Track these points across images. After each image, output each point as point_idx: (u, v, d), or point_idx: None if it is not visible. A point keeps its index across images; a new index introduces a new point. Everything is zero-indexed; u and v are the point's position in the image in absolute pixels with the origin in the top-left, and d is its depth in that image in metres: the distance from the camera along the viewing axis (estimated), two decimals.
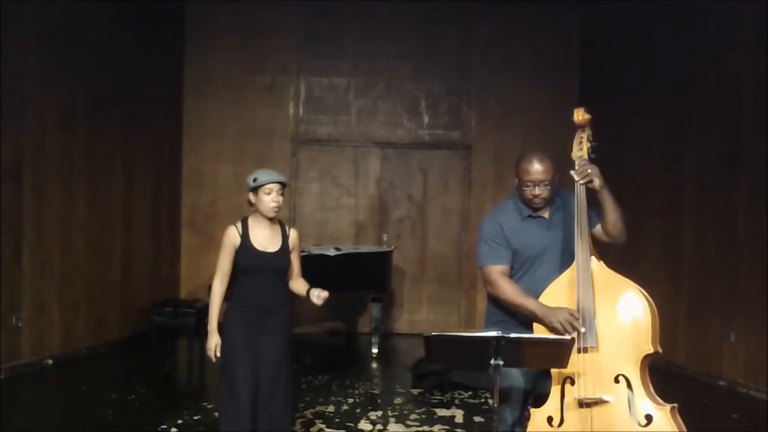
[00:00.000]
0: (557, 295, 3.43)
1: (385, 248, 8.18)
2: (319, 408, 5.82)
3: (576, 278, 3.37)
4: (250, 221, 4.07)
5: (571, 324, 3.29)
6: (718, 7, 6.94)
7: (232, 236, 4.03)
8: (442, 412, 5.83)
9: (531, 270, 3.59)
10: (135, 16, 8.08)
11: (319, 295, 4.01)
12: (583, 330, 3.30)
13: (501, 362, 3.18)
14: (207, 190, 9.23)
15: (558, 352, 3.22)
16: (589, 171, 3.41)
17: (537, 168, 3.49)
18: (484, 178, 9.31)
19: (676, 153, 7.48)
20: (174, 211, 9.12)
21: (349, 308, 9.24)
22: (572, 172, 3.46)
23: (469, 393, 6.30)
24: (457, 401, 6.13)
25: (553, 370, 3.38)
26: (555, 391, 3.38)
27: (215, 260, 4.09)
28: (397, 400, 6.17)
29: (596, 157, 3.52)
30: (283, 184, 4.01)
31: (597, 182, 3.41)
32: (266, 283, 4.02)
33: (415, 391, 6.43)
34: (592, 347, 3.30)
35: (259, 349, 3.95)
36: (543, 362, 3.38)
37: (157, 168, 8.70)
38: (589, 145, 3.51)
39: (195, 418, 5.52)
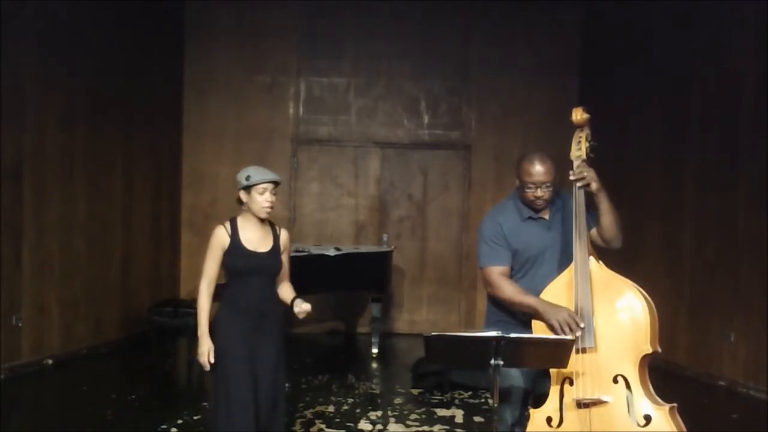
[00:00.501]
0: (556, 295, 3.43)
1: (385, 248, 8.18)
2: (319, 408, 5.82)
3: (574, 278, 3.37)
4: (240, 221, 3.88)
5: (568, 325, 3.29)
6: (718, 7, 6.94)
7: (221, 237, 3.84)
8: (442, 412, 5.83)
9: (531, 270, 3.59)
10: (135, 16, 8.08)
11: (301, 308, 3.79)
12: (578, 333, 3.29)
13: (501, 362, 3.18)
14: (207, 190, 9.23)
15: (558, 352, 3.22)
16: (586, 174, 3.41)
17: (539, 169, 3.49)
18: (484, 178, 9.31)
19: (676, 153, 7.48)
20: (174, 211, 9.12)
21: (349, 308, 9.24)
22: (570, 175, 3.46)
23: (469, 393, 6.30)
24: (457, 401, 6.13)
25: (552, 371, 3.38)
26: (554, 391, 3.38)
27: None
28: (397, 400, 6.17)
29: (595, 156, 3.51)
30: (276, 183, 3.83)
31: (594, 186, 3.41)
32: (259, 285, 3.85)
33: (415, 391, 6.43)
34: (590, 347, 3.30)
35: (256, 354, 3.80)
36: (543, 362, 3.38)
37: (157, 168, 8.70)
38: (587, 144, 3.50)
39: (195, 418, 5.52)
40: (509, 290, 3.52)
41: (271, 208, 3.83)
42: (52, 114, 6.97)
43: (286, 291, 3.98)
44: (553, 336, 3.29)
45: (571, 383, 3.33)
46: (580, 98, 8.67)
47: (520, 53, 9.24)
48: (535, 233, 3.59)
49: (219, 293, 3.93)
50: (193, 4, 9.16)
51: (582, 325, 3.29)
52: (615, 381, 3.26)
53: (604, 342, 3.31)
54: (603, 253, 3.54)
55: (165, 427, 5.25)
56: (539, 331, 3.41)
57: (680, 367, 7.09)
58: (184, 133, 9.23)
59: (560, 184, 3.62)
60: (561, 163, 3.59)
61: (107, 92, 7.68)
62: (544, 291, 3.46)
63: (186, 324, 7.28)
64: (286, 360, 4.01)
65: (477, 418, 5.65)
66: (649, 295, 3.35)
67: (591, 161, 3.50)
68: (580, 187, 3.42)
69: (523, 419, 3.56)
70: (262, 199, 3.80)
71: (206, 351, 3.81)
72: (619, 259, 3.60)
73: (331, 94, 9.34)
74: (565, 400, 3.34)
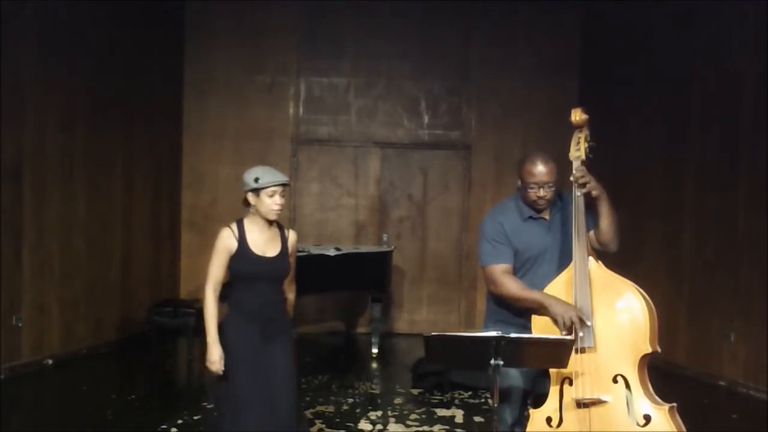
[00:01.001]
0: (555, 295, 3.43)
1: (385, 248, 8.18)
2: (319, 408, 5.82)
3: (574, 278, 3.38)
4: (247, 223, 3.75)
5: (572, 322, 3.28)
6: (718, 7, 6.94)
7: (228, 240, 3.70)
8: (442, 412, 5.83)
9: (531, 270, 3.59)
10: (135, 16, 8.08)
11: None
12: (582, 334, 3.29)
13: (501, 362, 3.19)
14: (207, 190, 9.22)
15: (558, 352, 3.22)
16: (587, 180, 3.41)
17: (541, 170, 3.49)
18: (484, 178, 9.31)
19: (676, 153, 7.48)
20: (174, 211, 9.11)
21: (349, 308, 9.24)
22: (571, 178, 3.46)
23: (469, 393, 6.30)
24: (457, 401, 6.13)
25: (552, 371, 3.39)
26: (554, 391, 3.38)
27: None
28: (397, 400, 6.17)
29: (594, 157, 3.52)
30: (286, 185, 3.72)
31: (595, 192, 3.43)
32: (267, 290, 3.72)
33: (415, 391, 6.43)
34: (590, 347, 3.31)
35: (266, 360, 3.68)
36: (543, 362, 3.39)
37: (157, 168, 8.70)
38: (587, 145, 3.51)
39: (195, 418, 5.52)
40: (514, 287, 3.52)
41: (281, 210, 3.72)
42: (52, 114, 6.97)
43: (290, 301, 3.96)
44: (553, 336, 3.29)
45: (571, 383, 3.33)
46: (580, 98, 8.67)
47: (520, 53, 9.24)
48: (535, 233, 3.59)
49: (224, 294, 3.83)
50: (193, 4, 9.15)
51: (589, 324, 3.29)
52: (615, 381, 3.26)
53: (603, 342, 3.31)
54: (602, 253, 3.54)
55: (165, 427, 5.25)
56: (539, 329, 3.42)
57: (680, 367, 7.09)
58: (184, 133, 9.22)
59: (561, 185, 3.62)
60: (561, 164, 3.59)
61: (107, 92, 7.68)
62: (544, 290, 3.46)
63: (186, 324, 7.29)
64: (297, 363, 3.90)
65: (477, 418, 5.65)
66: (649, 295, 3.35)
67: (590, 162, 3.50)
68: (579, 195, 3.43)
69: (522, 419, 3.57)
70: (271, 202, 3.68)
71: (217, 359, 3.69)
72: (618, 259, 3.60)
73: (331, 94, 9.34)
74: (564, 400, 3.34)
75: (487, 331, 3.29)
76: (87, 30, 7.36)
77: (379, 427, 5.41)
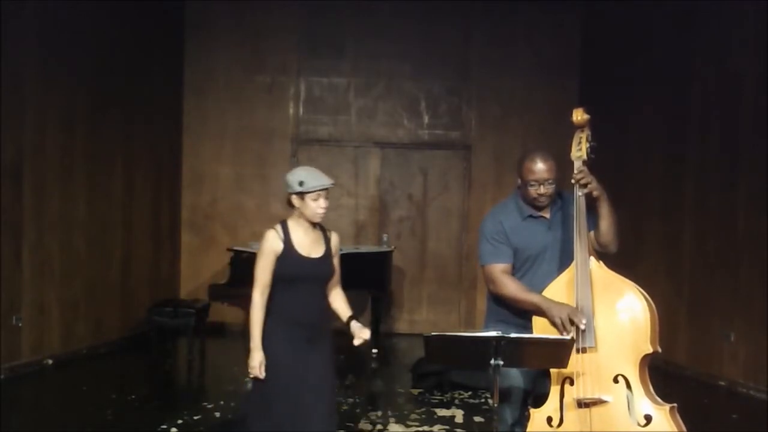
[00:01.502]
0: (556, 295, 3.43)
1: (385, 248, 8.17)
2: None
3: (575, 278, 3.38)
4: (291, 225, 3.68)
5: (570, 322, 3.29)
6: (718, 7, 6.94)
7: (274, 242, 3.62)
8: (442, 412, 5.83)
9: (532, 269, 3.59)
10: (135, 16, 8.08)
11: (360, 338, 3.66)
12: (582, 328, 3.29)
13: (501, 362, 3.19)
14: (207, 190, 9.23)
15: (558, 352, 3.22)
16: (588, 181, 3.41)
17: (541, 167, 3.49)
18: (484, 178, 9.31)
19: (676, 153, 7.48)
20: (174, 211, 9.11)
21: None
22: (572, 179, 3.46)
23: (469, 393, 6.30)
24: (457, 401, 6.13)
25: (553, 370, 3.38)
26: (554, 391, 3.38)
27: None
28: (397, 400, 6.17)
29: (595, 157, 3.51)
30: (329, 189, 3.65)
31: (596, 193, 3.43)
32: (312, 294, 3.67)
33: (415, 391, 6.43)
34: (591, 347, 3.30)
35: (308, 368, 3.61)
36: (543, 362, 3.38)
37: (157, 168, 8.70)
38: (588, 145, 3.51)
39: (195, 418, 5.53)
40: (512, 287, 3.52)
41: (325, 213, 3.68)
42: (52, 114, 6.97)
43: (339, 303, 3.84)
44: (553, 336, 3.29)
45: (572, 383, 3.33)
46: (580, 98, 8.67)
47: (520, 53, 9.24)
48: (535, 232, 3.59)
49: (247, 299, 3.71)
50: (193, 4, 9.15)
51: (584, 322, 3.29)
52: (615, 381, 3.26)
53: (604, 342, 3.31)
54: (602, 254, 3.54)
55: (165, 427, 5.25)
56: (539, 329, 3.41)
57: (680, 367, 7.09)
58: (184, 133, 9.22)
59: (561, 184, 3.62)
60: (561, 164, 3.59)
61: (107, 92, 7.68)
62: (545, 290, 3.47)
63: (186, 324, 7.29)
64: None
65: (477, 418, 5.65)
66: (649, 295, 3.35)
67: (591, 162, 3.50)
68: (581, 195, 3.43)
69: (523, 419, 3.56)
70: (315, 206, 3.63)
71: (257, 365, 3.61)
72: (618, 259, 3.60)
73: (331, 94, 9.34)
74: (565, 399, 3.34)
75: (487, 330, 3.29)
76: (87, 30, 7.36)
77: (379, 427, 5.41)
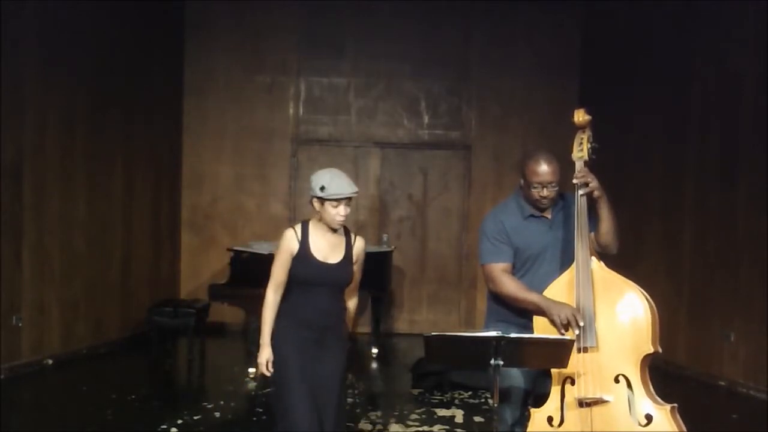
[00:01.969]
0: (557, 295, 3.43)
1: (385, 248, 8.17)
2: None
3: (576, 278, 3.38)
4: (312, 226, 3.60)
5: (569, 321, 3.29)
6: (718, 7, 6.94)
7: (291, 242, 3.57)
8: (442, 412, 5.83)
9: (532, 269, 3.59)
10: (135, 16, 8.08)
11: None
12: (577, 331, 3.29)
13: (501, 362, 3.19)
14: (207, 190, 9.23)
15: (558, 352, 3.22)
16: (589, 181, 3.41)
17: (545, 169, 3.48)
18: (484, 178, 9.31)
19: (676, 153, 7.48)
20: (174, 211, 9.11)
21: None
22: (573, 179, 3.46)
23: (469, 393, 6.30)
24: (457, 401, 6.13)
25: (554, 370, 3.39)
26: (555, 391, 3.39)
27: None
28: (397, 400, 6.17)
29: (596, 158, 3.52)
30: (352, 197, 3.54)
31: (596, 193, 3.43)
32: (325, 297, 3.59)
33: (415, 391, 6.43)
34: (592, 347, 3.31)
35: (317, 370, 3.56)
36: (543, 362, 3.39)
37: (157, 168, 8.70)
38: (589, 146, 3.51)
39: (195, 418, 5.52)
40: (512, 287, 3.52)
41: (345, 219, 3.57)
42: (52, 114, 6.97)
43: (350, 312, 3.78)
44: (553, 336, 3.29)
45: (573, 383, 3.33)
46: (580, 98, 8.67)
47: (520, 53, 9.23)
48: (536, 232, 3.59)
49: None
50: (193, 4, 9.15)
51: (581, 324, 3.29)
52: (616, 381, 3.27)
53: (605, 342, 3.31)
54: (602, 254, 3.54)
55: (165, 427, 5.25)
56: (540, 329, 3.42)
57: (680, 367, 7.09)
58: (184, 133, 9.22)
59: (562, 185, 3.62)
60: (562, 164, 3.59)
61: (107, 92, 7.67)
62: (546, 290, 3.47)
63: (186, 324, 7.29)
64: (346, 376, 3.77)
65: (477, 418, 5.65)
66: (649, 295, 3.36)
67: (592, 162, 3.50)
68: (582, 195, 3.43)
69: (523, 419, 3.56)
70: (335, 212, 3.52)
71: (264, 361, 3.57)
72: (619, 259, 3.60)
73: (331, 94, 9.33)
74: (566, 399, 3.34)
75: (488, 330, 3.29)
76: (87, 30, 7.36)
77: (379, 427, 5.41)
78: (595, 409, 3.27)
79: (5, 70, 6.28)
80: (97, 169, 7.59)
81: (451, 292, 9.39)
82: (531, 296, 3.45)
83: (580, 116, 3.54)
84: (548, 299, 3.41)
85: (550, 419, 3.36)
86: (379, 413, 5.75)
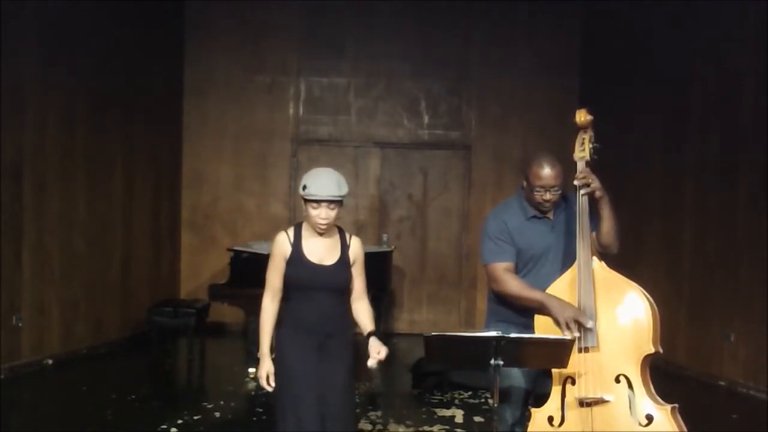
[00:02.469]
0: (559, 294, 3.43)
1: (385, 248, 8.17)
2: None
3: (577, 278, 3.38)
4: (305, 228, 3.47)
5: (575, 323, 3.29)
6: (718, 7, 6.94)
7: (283, 245, 3.44)
8: (442, 412, 5.83)
9: (534, 269, 3.59)
10: (135, 16, 8.07)
11: (375, 357, 3.45)
12: (584, 330, 3.29)
13: (501, 362, 3.19)
14: (207, 190, 9.23)
15: (558, 352, 3.22)
16: (591, 181, 3.41)
17: (549, 173, 3.47)
18: (484, 178, 9.31)
19: (676, 153, 7.48)
20: (174, 211, 9.11)
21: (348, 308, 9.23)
22: (575, 179, 3.46)
23: (469, 393, 6.30)
24: (457, 401, 6.13)
25: (554, 370, 3.39)
26: (556, 390, 3.38)
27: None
28: (397, 400, 6.17)
29: (598, 158, 3.52)
30: (335, 200, 3.37)
31: (598, 194, 3.43)
32: (324, 302, 3.44)
33: (415, 391, 6.43)
34: (593, 347, 3.31)
35: (322, 377, 3.43)
36: (543, 362, 3.38)
37: (157, 168, 8.70)
38: (591, 146, 3.51)
39: (195, 418, 5.52)
40: (515, 285, 3.51)
41: (327, 225, 3.40)
42: (52, 114, 6.97)
43: (362, 316, 3.61)
44: (553, 336, 3.29)
45: (573, 382, 3.33)
46: (580, 98, 8.67)
47: (520, 53, 9.23)
48: (538, 232, 3.59)
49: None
50: (193, 4, 9.15)
51: (589, 326, 3.29)
52: (617, 381, 3.27)
53: (606, 342, 3.31)
54: (603, 254, 3.54)
55: (165, 427, 5.25)
56: (541, 329, 3.42)
57: (680, 367, 7.09)
58: (184, 133, 9.22)
59: (563, 186, 3.62)
60: (564, 165, 3.59)
61: (107, 92, 7.67)
62: (548, 290, 3.47)
63: (186, 324, 7.29)
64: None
65: (477, 418, 5.65)
66: (649, 295, 3.36)
67: (594, 162, 3.51)
68: (584, 194, 3.43)
69: (523, 419, 3.56)
70: (315, 215, 3.37)
71: (264, 375, 3.43)
72: (619, 259, 3.60)
73: (331, 94, 9.33)
74: (566, 399, 3.34)
75: (488, 330, 3.29)
76: (87, 30, 7.35)
77: (379, 427, 5.41)
78: (596, 409, 3.27)
79: (5, 70, 6.28)
80: (97, 169, 7.59)
81: (451, 292, 9.39)
82: (535, 294, 3.45)
83: (582, 116, 3.54)
84: (553, 298, 3.40)
85: (550, 419, 3.36)
86: (379, 413, 5.75)
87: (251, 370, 6.54)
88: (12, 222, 6.48)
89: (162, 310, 7.38)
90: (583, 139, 3.54)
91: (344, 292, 3.53)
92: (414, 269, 9.40)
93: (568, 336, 3.25)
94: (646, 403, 3.23)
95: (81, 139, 7.34)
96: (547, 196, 3.50)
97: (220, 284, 7.04)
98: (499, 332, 3.16)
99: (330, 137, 9.34)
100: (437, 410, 5.87)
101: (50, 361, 6.91)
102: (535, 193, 3.51)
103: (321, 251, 3.46)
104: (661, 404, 3.24)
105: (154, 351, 7.43)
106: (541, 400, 3.46)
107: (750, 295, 6.57)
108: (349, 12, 9.22)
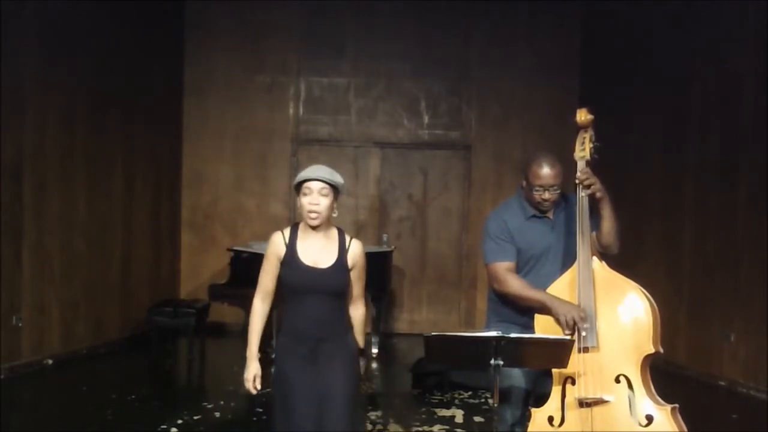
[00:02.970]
0: (559, 294, 3.43)
1: (385, 248, 8.17)
2: None
3: (577, 278, 3.38)
4: (301, 229, 3.31)
5: (574, 322, 3.29)
6: (718, 7, 6.94)
7: (277, 245, 3.30)
8: (442, 412, 5.83)
9: (534, 269, 3.59)
10: (135, 16, 8.07)
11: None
12: (584, 334, 3.30)
13: (501, 362, 3.19)
14: (207, 190, 9.22)
15: (558, 352, 3.22)
16: (591, 181, 3.42)
17: (548, 173, 3.49)
18: (484, 178, 9.31)
19: (676, 153, 7.48)
20: (174, 211, 9.11)
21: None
22: (576, 179, 3.47)
23: (469, 393, 6.30)
24: (457, 401, 6.13)
25: (554, 370, 3.39)
26: (556, 390, 3.39)
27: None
28: (397, 400, 6.17)
29: (598, 157, 3.52)
30: (330, 184, 3.21)
31: (598, 194, 3.43)
32: (318, 306, 3.26)
33: (415, 391, 6.43)
34: (593, 347, 3.31)
35: (318, 385, 3.25)
36: (543, 362, 3.39)
37: (157, 168, 8.69)
38: (591, 145, 3.52)
39: (195, 418, 5.52)
40: (516, 285, 3.52)
41: (319, 214, 3.21)
42: (52, 114, 6.97)
43: (354, 326, 3.45)
44: (553, 336, 3.29)
45: (573, 382, 3.33)
46: (581, 98, 8.66)
47: (520, 53, 9.23)
48: (538, 232, 3.60)
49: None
50: (193, 4, 9.15)
51: (586, 325, 3.29)
52: (617, 381, 3.27)
53: (606, 342, 3.31)
54: (603, 254, 3.55)
55: (165, 427, 5.25)
56: (541, 328, 3.42)
57: (680, 367, 7.09)
58: (184, 133, 9.21)
59: (564, 186, 3.62)
60: (564, 165, 3.59)
61: (107, 92, 7.67)
62: (548, 290, 3.47)
63: (186, 324, 7.29)
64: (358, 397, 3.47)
65: (477, 418, 5.65)
66: (650, 295, 3.36)
67: (594, 162, 3.51)
68: (584, 196, 3.43)
69: (523, 419, 3.57)
70: (305, 202, 3.21)
71: (251, 377, 3.30)
72: (619, 259, 3.61)
73: (331, 94, 9.33)
74: (566, 399, 3.35)
75: (488, 330, 3.29)
76: (87, 30, 7.35)
77: (379, 427, 5.41)
78: (596, 409, 3.27)
79: (5, 70, 6.28)
80: (97, 169, 7.59)
81: (451, 292, 9.39)
82: (537, 294, 3.45)
83: (583, 116, 3.55)
84: (554, 298, 3.41)
85: (550, 419, 3.37)
86: (379, 413, 5.75)
87: None
88: (12, 222, 6.48)
89: (162, 310, 7.38)
90: (584, 138, 3.54)
91: (340, 296, 3.35)
92: (414, 269, 9.40)
93: (566, 336, 3.25)
94: (646, 403, 3.23)
95: (81, 139, 7.34)
96: (546, 195, 3.51)
97: (220, 284, 7.03)
98: (499, 332, 3.17)
99: (330, 137, 9.34)
100: (437, 410, 5.87)
101: (50, 361, 6.91)
102: (535, 192, 3.52)
103: (316, 253, 3.29)
104: (661, 404, 3.24)
105: (154, 351, 7.43)
106: (541, 400, 3.46)
107: (750, 295, 6.57)
108: (349, 12, 9.22)
